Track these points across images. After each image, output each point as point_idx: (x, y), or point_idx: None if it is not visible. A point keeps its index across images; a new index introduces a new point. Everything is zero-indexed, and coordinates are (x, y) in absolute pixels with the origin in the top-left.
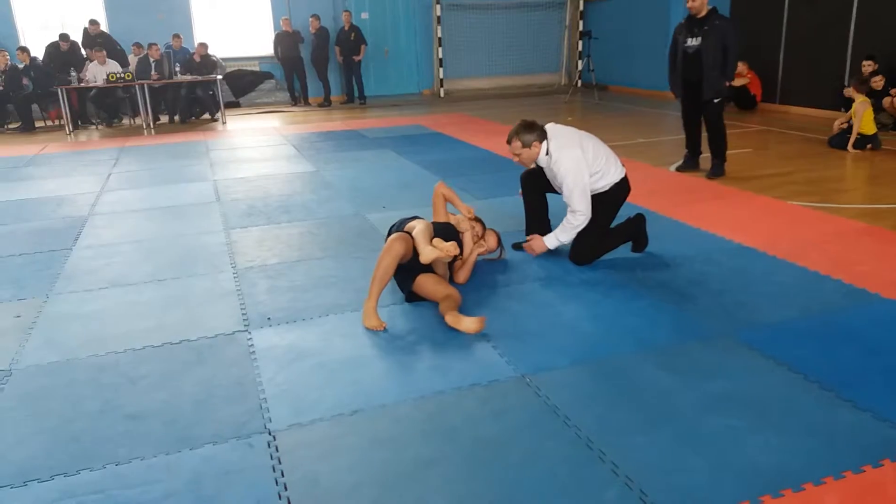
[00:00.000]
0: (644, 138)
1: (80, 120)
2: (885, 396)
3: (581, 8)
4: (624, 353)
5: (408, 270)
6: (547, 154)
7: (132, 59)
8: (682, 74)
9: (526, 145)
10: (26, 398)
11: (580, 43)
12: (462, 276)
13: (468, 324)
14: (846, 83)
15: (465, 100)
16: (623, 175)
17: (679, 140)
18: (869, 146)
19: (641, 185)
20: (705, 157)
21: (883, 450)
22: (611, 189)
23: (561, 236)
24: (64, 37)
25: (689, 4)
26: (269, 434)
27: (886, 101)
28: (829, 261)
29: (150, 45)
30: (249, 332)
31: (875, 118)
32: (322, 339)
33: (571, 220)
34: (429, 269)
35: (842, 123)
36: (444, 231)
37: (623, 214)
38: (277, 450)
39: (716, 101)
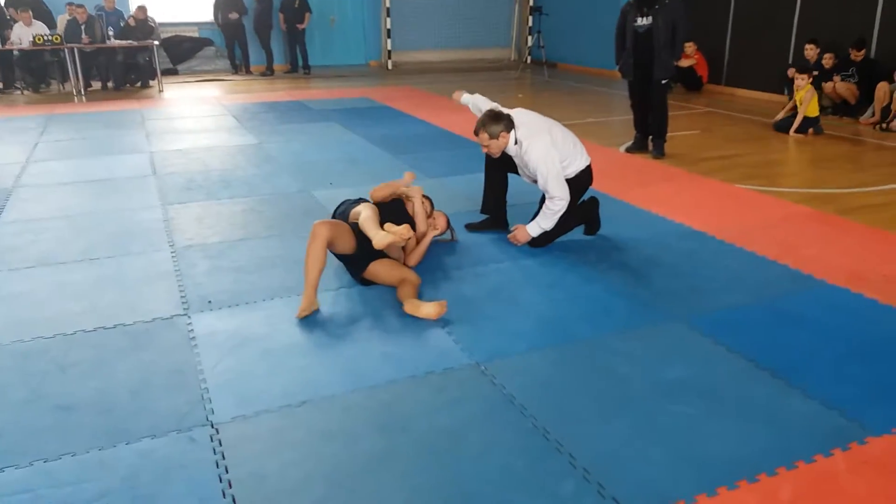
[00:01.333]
0: (594, 118)
1: (4, 84)
2: (833, 384)
3: None
4: (579, 338)
5: (359, 258)
6: (516, 143)
7: (62, 20)
8: (632, 53)
9: (493, 136)
10: None
11: (530, 18)
12: (414, 258)
13: (428, 309)
14: (790, 64)
15: (414, 73)
16: (588, 163)
17: (628, 120)
18: (811, 130)
19: (593, 166)
20: None
21: (833, 439)
22: (576, 176)
23: (543, 223)
24: None
25: None
26: (212, 427)
27: (828, 86)
28: (776, 245)
29: (78, 6)
30: (189, 317)
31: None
32: (267, 323)
33: (551, 206)
34: (382, 254)
35: (788, 111)
36: (393, 211)
37: None
38: (221, 444)
39: (663, 81)
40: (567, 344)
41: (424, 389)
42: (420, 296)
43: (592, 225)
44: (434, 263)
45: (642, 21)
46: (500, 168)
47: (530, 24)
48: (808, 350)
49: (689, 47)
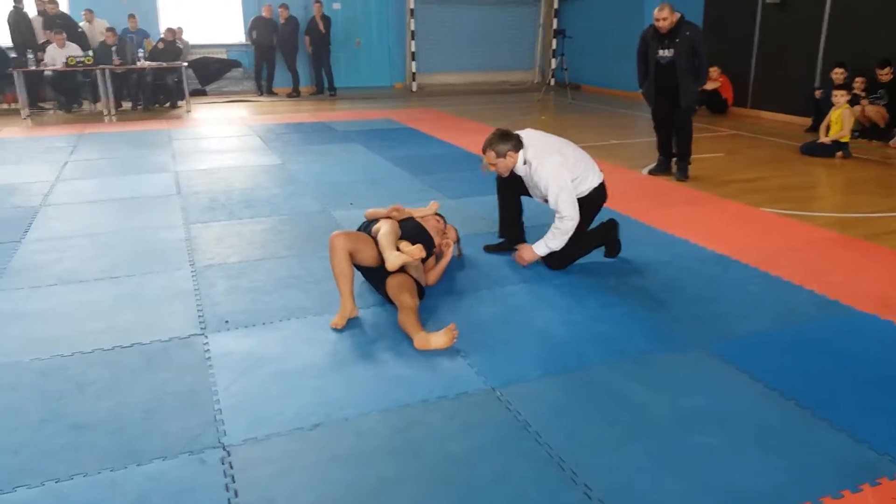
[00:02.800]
0: (617, 139)
1: (39, 104)
2: (861, 415)
3: (556, 6)
4: (597, 363)
5: (382, 272)
6: (525, 163)
7: (85, 26)
8: (655, 83)
9: (500, 155)
10: None
11: (554, 41)
12: (433, 277)
13: (438, 340)
14: (816, 86)
15: (438, 95)
16: (601, 180)
17: (652, 142)
18: (839, 154)
19: (614, 187)
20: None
21: (861, 473)
22: (589, 194)
23: (551, 243)
24: (51, 1)
25: (660, 24)
26: (224, 449)
27: (857, 109)
28: (801, 270)
29: (107, 29)
30: (206, 336)
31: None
32: (282, 344)
33: (560, 226)
34: (400, 269)
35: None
36: (412, 227)
37: (596, 218)
38: (231, 466)
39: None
40: (584, 370)
41: (437, 414)
42: (438, 318)
43: (612, 247)
44: (451, 285)
45: (664, 53)
46: (512, 190)
47: (554, 46)
48: (835, 379)
49: (714, 70)
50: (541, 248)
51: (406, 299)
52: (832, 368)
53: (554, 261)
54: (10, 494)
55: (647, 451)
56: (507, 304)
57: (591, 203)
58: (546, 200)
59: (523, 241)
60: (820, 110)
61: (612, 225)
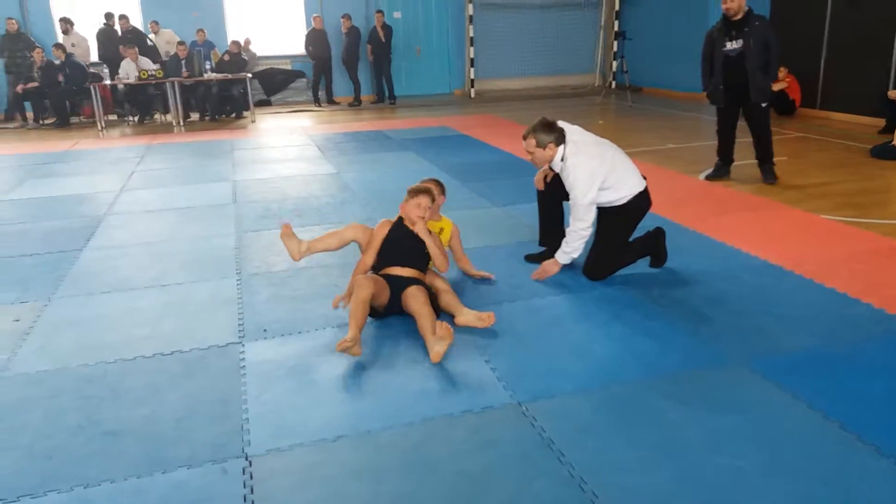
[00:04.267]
0: (675, 143)
1: (117, 115)
2: None
3: (616, 8)
4: (631, 379)
5: (390, 309)
6: (562, 159)
7: (153, 38)
8: (723, 79)
9: (541, 145)
10: (7, 410)
11: (615, 44)
12: (440, 262)
13: (437, 347)
14: (891, 86)
15: (496, 100)
16: (643, 188)
17: (711, 146)
18: None
19: (667, 194)
20: (737, 165)
21: None
22: (630, 202)
23: (567, 248)
24: (109, 15)
25: (727, 6)
26: (246, 459)
27: None
28: (860, 282)
29: (178, 43)
30: (243, 345)
31: None
32: (315, 354)
33: (575, 229)
34: (411, 283)
35: None
36: (406, 238)
37: (644, 226)
38: (252, 477)
39: (763, 105)
40: (616, 386)
41: (459, 429)
42: (470, 329)
43: (658, 257)
44: (487, 296)
45: (733, 45)
46: (552, 197)
47: (615, 49)
48: (886, 402)
49: (781, 70)
50: (562, 257)
51: (425, 312)
52: (883, 390)
53: (596, 271)
54: (41, 499)
55: (674, 473)
56: (543, 317)
57: (632, 211)
58: None
59: None
60: (894, 111)
61: (658, 234)
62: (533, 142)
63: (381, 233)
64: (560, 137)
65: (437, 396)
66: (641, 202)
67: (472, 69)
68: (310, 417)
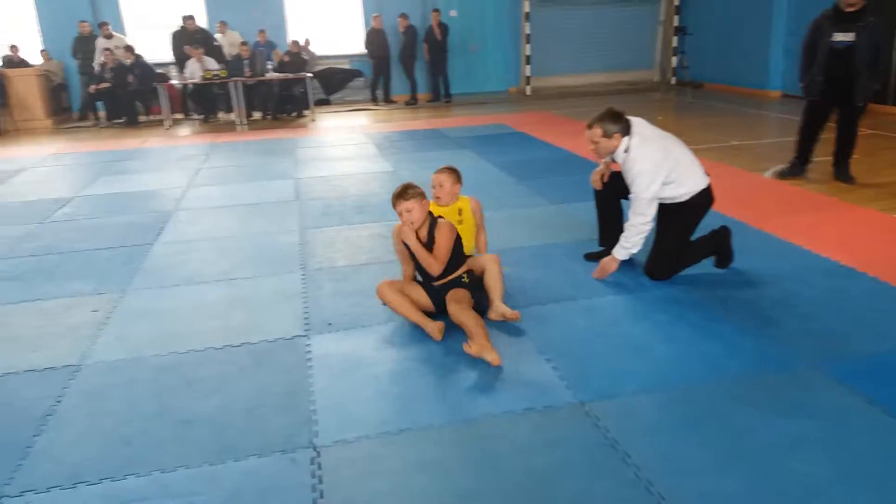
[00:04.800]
0: (738, 140)
1: (183, 113)
2: None
3: (676, 3)
4: (697, 381)
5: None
6: (626, 150)
7: (219, 38)
8: (824, 71)
9: (607, 135)
10: (89, 396)
11: (675, 39)
12: (430, 266)
13: (490, 356)
14: None
15: (552, 97)
16: (707, 184)
17: (777, 143)
18: None
19: (731, 192)
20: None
21: None
22: (692, 199)
23: (626, 243)
24: (189, 17)
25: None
26: (314, 450)
27: None
28: None
29: (242, 43)
30: (309, 338)
31: None
32: (378, 348)
33: (635, 223)
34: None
35: None
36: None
37: (707, 225)
38: (320, 467)
39: (860, 104)
40: (681, 387)
41: (522, 427)
42: (530, 325)
43: (724, 257)
44: (548, 292)
45: (843, 37)
46: (611, 196)
47: (675, 44)
48: None
49: None
50: (620, 252)
51: (467, 320)
52: None
53: (657, 270)
54: (120, 482)
55: (744, 477)
56: (603, 316)
57: (694, 208)
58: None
59: None
60: None
61: (724, 233)
62: (599, 131)
63: (398, 245)
64: (626, 128)
65: (498, 394)
66: (704, 199)
67: (527, 66)
68: (374, 410)
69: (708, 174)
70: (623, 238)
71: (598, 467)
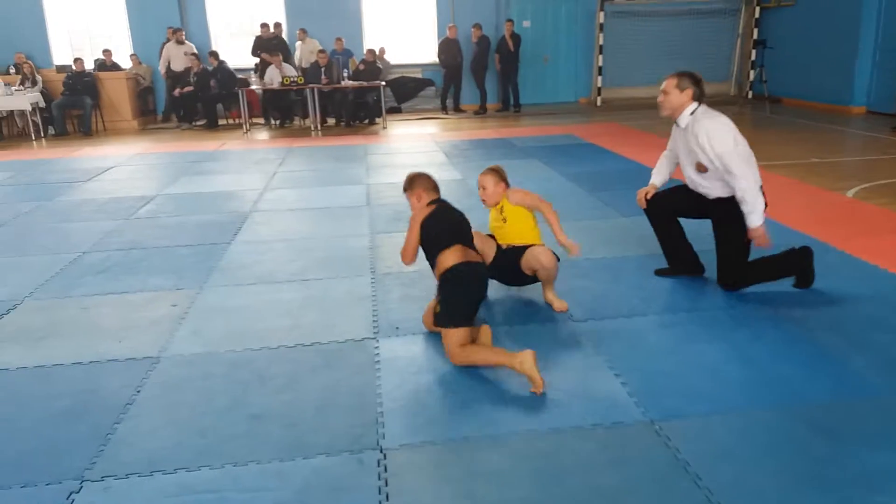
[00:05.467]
0: (819, 157)
1: (264, 118)
2: None
3: (756, 15)
4: (773, 406)
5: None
6: (691, 114)
7: (298, 45)
8: None
9: (680, 88)
10: (166, 387)
11: (753, 52)
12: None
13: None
14: None
15: (622, 109)
16: (759, 184)
17: (862, 161)
18: None
19: (812, 210)
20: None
21: None
22: None
23: (749, 207)
24: (264, 25)
25: None
26: (381, 452)
27: None
28: None
29: (319, 51)
30: (377, 340)
31: None
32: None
33: (740, 187)
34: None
35: None
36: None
37: (786, 245)
38: (386, 469)
39: None
40: (757, 411)
41: (589, 442)
42: (595, 342)
43: (804, 277)
44: (617, 306)
45: None
46: (662, 216)
47: (753, 57)
48: None
49: None
50: (754, 218)
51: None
52: None
53: (725, 276)
54: (195, 472)
55: None
56: (676, 333)
57: None
58: (701, 170)
59: (697, 262)
60: None
61: (806, 253)
62: (674, 81)
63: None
64: (700, 93)
65: (566, 407)
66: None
67: (599, 77)
68: (439, 415)
69: (760, 178)
70: (745, 206)
71: (667, 489)
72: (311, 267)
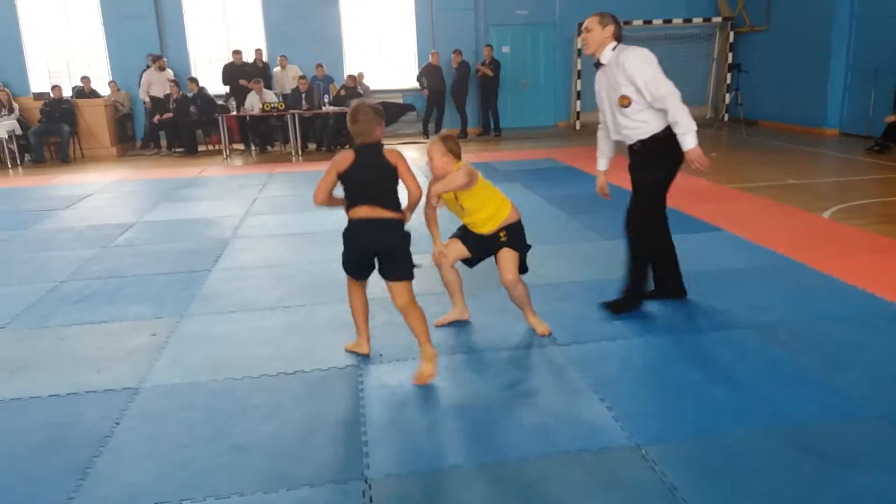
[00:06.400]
0: (795, 179)
1: (244, 144)
2: None
3: (731, 40)
4: (758, 427)
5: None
6: (613, 49)
7: (278, 71)
8: None
9: (602, 25)
10: (147, 419)
11: (728, 75)
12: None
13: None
14: None
15: None
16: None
17: (837, 182)
18: None
19: (790, 231)
20: (864, 204)
21: None
22: (667, 139)
23: (681, 129)
24: (237, 52)
25: None
26: (366, 482)
27: None
28: None
29: (300, 77)
30: (361, 368)
31: None
32: (432, 381)
33: (671, 108)
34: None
35: None
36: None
37: (765, 265)
38: (371, 500)
39: None
40: (742, 432)
41: (576, 469)
42: (585, 363)
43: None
44: (600, 329)
45: None
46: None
47: (728, 81)
48: None
49: None
50: (688, 140)
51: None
52: None
53: (629, 227)
54: None
55: None
56: (659, 355)
57: (668, 156)
58: (623, 105)
59: (681, 288)
60: None
61: (677, 291)
62: (597, 18)
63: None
64: (620, 32)
65: (552, 433)
66: (678, 146)
67: (578, 101)
68: (425, 445)
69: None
70: (678, 128)
71: None
72: (293, 293)
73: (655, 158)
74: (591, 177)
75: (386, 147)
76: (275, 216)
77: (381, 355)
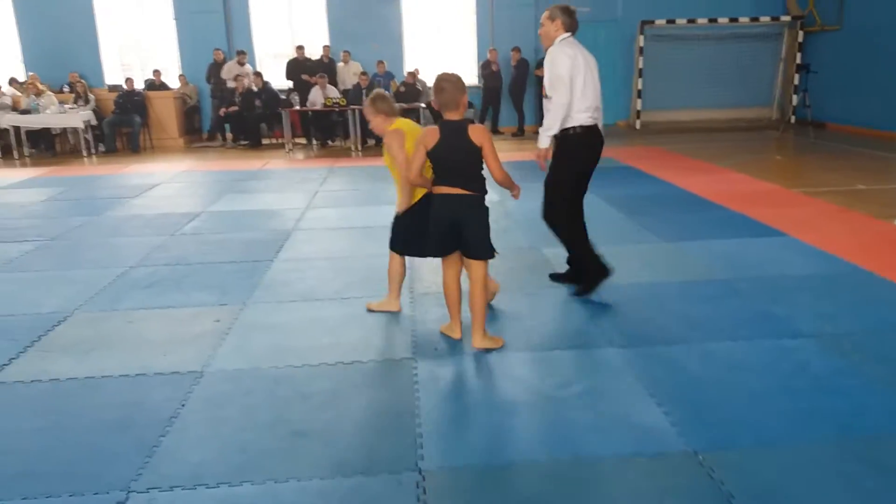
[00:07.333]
0: (865, 184)
1: (305, 138)
2: None
3: (800, 39)
4: (821, 439)
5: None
6: (560, 42)
7: (341, 66)
8: None
9: (551, 18)
10: (210, 402)
11: (796, 76)
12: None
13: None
14: None
15: (662, 132)
16: (593, 123)
17: None
18: None
19: (857, 238)
20: None
21: None
22: (579, 133)
23: (542, 127)
24: (300, 47)
25: None
26: (420, 473)
27: None
28: None
29: (361, 73)
30: (416, 361)
31: None
32: (484, 376)
33: (547, 107)
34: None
35: None
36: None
37: (830, 272)
38: (425, 492)
39: None
40: (803, 444)
41: (631, 472)
42: (637, 371)
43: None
44: (658, 333)
45: None
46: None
47: (796, 82)
48: None
49: None
50: (542, 139)
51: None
52: None
53: (546, 212)
54: (236, 487)
55: None
56: (719, 362)
57: (579, 148)
58: (545, 96)
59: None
60: None
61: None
62: (546, 13)
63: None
64: (572, 24)
65: (607, 435)
66: (593, 139)
67: (639, 100)
68: (478, 439)
69: (598, 113)
70: (543, 125)
71: None
72: (352, 285)
73: (561, 155)
74: (650, 177)
75: (471, 125)
76: (335, 209)
77: (435, 349)
